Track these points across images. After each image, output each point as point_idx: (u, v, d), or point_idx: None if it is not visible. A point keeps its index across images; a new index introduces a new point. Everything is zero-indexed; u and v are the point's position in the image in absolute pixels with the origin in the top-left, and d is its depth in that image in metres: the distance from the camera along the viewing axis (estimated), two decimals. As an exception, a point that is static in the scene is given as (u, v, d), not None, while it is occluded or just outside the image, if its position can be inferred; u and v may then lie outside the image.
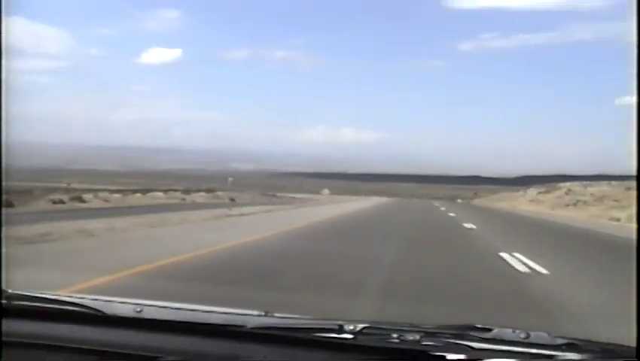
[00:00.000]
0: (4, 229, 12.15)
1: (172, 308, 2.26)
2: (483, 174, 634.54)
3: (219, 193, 71.48)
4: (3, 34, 2.68)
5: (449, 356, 1.87)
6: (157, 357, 1.94)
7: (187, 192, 70.96)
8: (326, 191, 55.69)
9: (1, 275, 2.64)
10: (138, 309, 2.20)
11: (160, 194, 62.55)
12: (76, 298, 2.31)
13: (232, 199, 62.84)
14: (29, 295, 2.30)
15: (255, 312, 2.26)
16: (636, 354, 1.91)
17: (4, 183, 20.17)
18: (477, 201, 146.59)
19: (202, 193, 70.86)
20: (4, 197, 26.62)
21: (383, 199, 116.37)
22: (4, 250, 7.24)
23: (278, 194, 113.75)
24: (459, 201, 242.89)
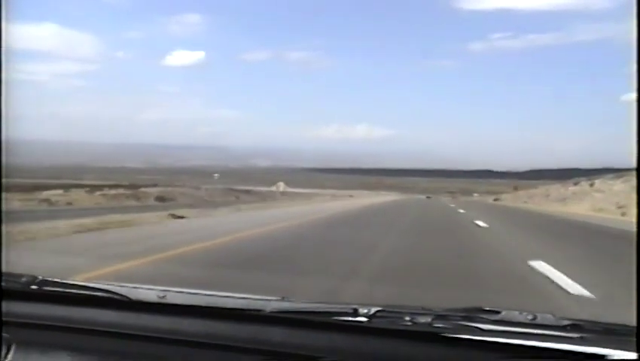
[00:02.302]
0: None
1: (193, 294, 2.27)
2: (495, 169, 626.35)
3: (150, 190, 59.77)
4: (3, 35, 2.44)
5: (459, 337, 1.88)
6: (179, 340, 2.00)
7: (134, 187, 61.43)
8: (281, 185, 43.78)
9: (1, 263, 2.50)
10: (162, 295, 2.19)
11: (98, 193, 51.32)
12: (103, 284, 2.30)
13: (161, 199, 52.28)
14: (58, 282, 2.32)
15: (273, 297, 2.24)
16: (636, 334, 1.86)
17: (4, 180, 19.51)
18: (516, 200, 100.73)
19: (148, 190, 60.34)
20: (3, 196, 25.70)
21: (387, 198, 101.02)
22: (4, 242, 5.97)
23: (258, 189, 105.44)
24: (475, 196, 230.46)
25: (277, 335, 1.95)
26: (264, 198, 68.73)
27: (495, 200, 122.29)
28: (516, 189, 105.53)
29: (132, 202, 46.40)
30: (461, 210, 36.65)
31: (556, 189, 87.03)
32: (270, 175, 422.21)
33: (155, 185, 71.02)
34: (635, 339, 1.79)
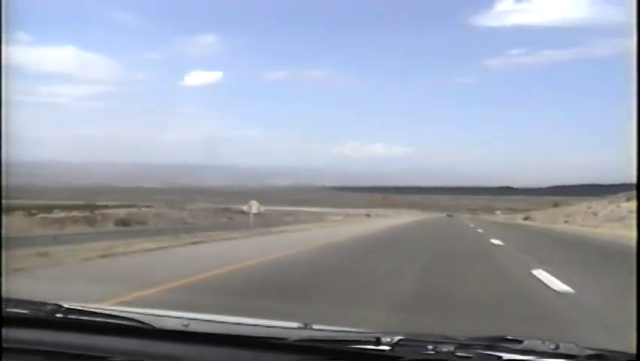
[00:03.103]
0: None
1: (217, 322, 2.27)
2: (515, 185, 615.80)
3: (113, 212, 50.42)
4: (3, 51, 2.56)
5: None
6: None
7: (93, 208, 51.73)
8: (253, 205, 34.05)
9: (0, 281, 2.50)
10: (186, 323, 2.19)
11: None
12: (126, 311, 2.33)
13: (124, 223, 43.80)
14: (83, 310, 2.32)
15: (295, 324, 2.27)
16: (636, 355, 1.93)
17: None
18: (553, 219, 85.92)
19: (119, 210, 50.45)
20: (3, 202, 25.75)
21: (406, 219, 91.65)
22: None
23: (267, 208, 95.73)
24: (498, 213, 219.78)
25: None
26: (267, 219, 60.55)
27: (526, 219, 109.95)
28: (555, 205, 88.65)
29: (82, 228, 37.76)
30: (496, 242, 24.26)
31: (601, 205, 74.97)
32: (290, 194, 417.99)
33: (132, 206, 61.49)
34: None
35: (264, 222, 52.62)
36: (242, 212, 79.45)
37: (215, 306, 7.70)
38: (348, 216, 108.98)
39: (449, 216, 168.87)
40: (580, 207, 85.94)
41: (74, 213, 46.11)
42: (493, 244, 23.34)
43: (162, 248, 17.67)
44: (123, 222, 43.40)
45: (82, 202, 74.65)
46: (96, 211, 47.99)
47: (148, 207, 63.82)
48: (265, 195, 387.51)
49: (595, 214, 67.60)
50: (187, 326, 2.15)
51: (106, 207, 59.39)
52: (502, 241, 24.99)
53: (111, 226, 41.67)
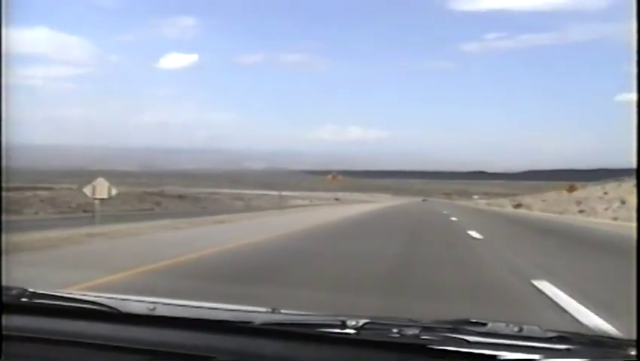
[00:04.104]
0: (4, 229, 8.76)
1: (183, 306, 2.26)
2: (489, 170, 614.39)
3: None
4: (3, 39, 2.48)
5: (446, 349, 1.89)
6: (169, 352, 1.99)
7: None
8: (99, 186, 25.74)
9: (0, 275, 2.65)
10: (152, 307, 2.19)
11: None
12: (92, 296, 2.32)
13: None
14: (48, 294, 2.31)
15: (263, 309, 2.26)
16: (637, 346, 1.89)
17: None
18: (556, 207, 64.98)
19: None
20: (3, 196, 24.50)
21: (376, 205, 77.66)
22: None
23: (221, 191, 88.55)
24: (475, 198, 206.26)
25: (266, 347, 1.96)
26: (205, 205, 54.40)
27: (517, 206, 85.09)
28: (572, 189, 66.96)
29: None
30: (521, 260, 12.53)
31: (622, 189, 56.27)
32: (264, 178, 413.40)
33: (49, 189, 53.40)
34: (630, 351, 1.82)
35: (189, 210, 45.96)
36: (181, 197, 70.78)
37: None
38: (316, 201, 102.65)
39: (424, 201, 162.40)
40: (591, 191, 66.91)
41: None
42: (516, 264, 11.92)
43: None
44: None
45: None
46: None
47: (70, 188, 55.96)
48: (238, 178, 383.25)
49: (623, 202, 48.24)
50: (153, 309, 2.14)
51: (21, 188, 52.10)
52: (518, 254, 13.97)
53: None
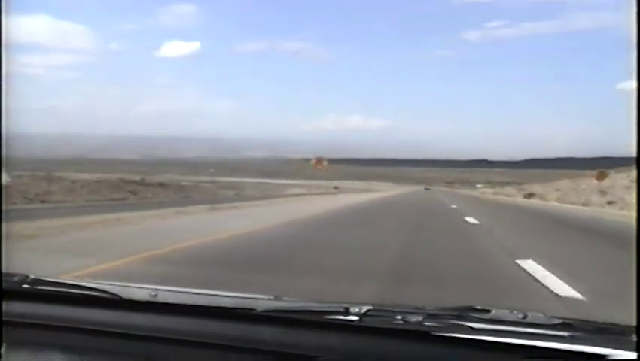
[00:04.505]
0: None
1: (185, 293, 2.25)
2: (490, 158, 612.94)
3: None
4: (3, 31, 2.43)
5: (451, 336, 1.89)
6: (170, 338, 2.00)
7: None
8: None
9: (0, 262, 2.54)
10: (154, 293, 2.18)
11: None
12: (94, 283, 2.30)
13: None
14: (50, 280, 2.31)
15: (265, 296, 2.24)
16: (636, 333, 1.88)
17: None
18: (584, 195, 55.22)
19: None
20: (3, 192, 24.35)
21: (375, 195, 68.21)
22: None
23: (208, 179, 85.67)
24: (479, 187, 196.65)
25: (268, 334, 1.95)
26: (190, 194, 51.78)
27: (529, 196, 73.06)
28: (602, 177, 56.13)
29: None
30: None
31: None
32: (265, 167, 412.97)
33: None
34: (632, 338, 1.81)
35: (170, 198, 43.42)
36: (160, 185, 65.40)
37: None
38: (314, 189, 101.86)
39: (426, 189, 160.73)
40: (616, 179, 57.23)
41: None
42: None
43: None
44: None
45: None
46: None
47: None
48: (238, 167, 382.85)
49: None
50: (155, 296, 2.13)
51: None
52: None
53: None
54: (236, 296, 2.16)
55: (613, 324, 2.01)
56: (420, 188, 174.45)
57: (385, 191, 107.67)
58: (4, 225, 8.08)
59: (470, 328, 1.86)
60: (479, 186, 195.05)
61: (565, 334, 1.84)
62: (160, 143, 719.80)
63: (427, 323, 1.89)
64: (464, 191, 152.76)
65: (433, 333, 1.85)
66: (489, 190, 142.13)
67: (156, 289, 2.17)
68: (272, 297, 2.20)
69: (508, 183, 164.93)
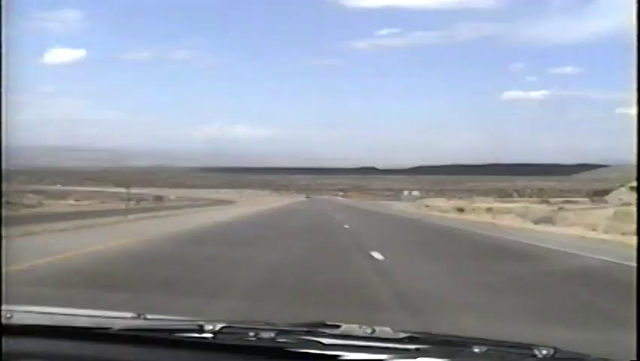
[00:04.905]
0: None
1: (39, 313, 2.22)
2: (379, 166, 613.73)
3: None
4: (4, 37, 2.53)
5: (302, 351, 1.95)
6: None
7: None
8: None
9: None
10: (9, 315, 2.13)
11: None
12: None
13: None
14: None
15: (129, 314, 2.27)
16: (637, 336, 2.05)
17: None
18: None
19: None
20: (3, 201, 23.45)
21: (225, 214, 46.29)
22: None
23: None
24: (406, 194, 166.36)
25: (124, 353, 1.93)
26: None
27: (460, 211, 62.92)
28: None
29: None
30: None
31: None
32: (148, 175, 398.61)
33: None
34: (473, 349, 1.93)
35: None
36: None
37: None
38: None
39: (307, 197, 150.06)
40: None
41: None
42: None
43: None
44: None
45: None
46: None
47: None
48: (119, 177, 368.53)
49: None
50: (9, 318, 2.06)
51: None
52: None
53: None
54: (92, 315, 2.14)
55: (457, 336, 2.14)
56: (302, 198, 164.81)
57: (241, 207, 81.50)
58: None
59: (321, 343, 1.91)
60: (406, 193, 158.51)
61: (412, 347, 1.91)
62: (42, 151, 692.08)
63: (279, 340, 1.95)
64: (370, 201, 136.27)
65: (285, 349, 1.91)
66: (407, 205, 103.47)
67: (11, 311, 2.08)
68: (135, 315, 2.18)
69: (398, 190, 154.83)
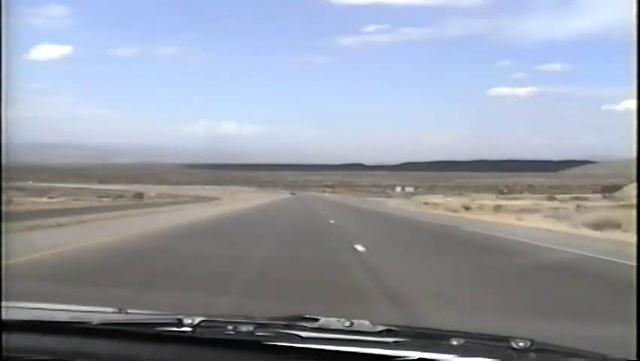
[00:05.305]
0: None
1: (17, 308, 2.25)
2: (366, 162, 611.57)
3: None
4: (4, 36, 2.65)
5: (280, 345, 1.97)
6: (6, 356, 1.95)
7: None
8: None
9: None
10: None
11: None
12: None
13: None
14: None
15: (109, 309, 2.30)
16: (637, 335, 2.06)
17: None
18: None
19: None
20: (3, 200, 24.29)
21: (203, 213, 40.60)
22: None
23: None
24: (398, 190, 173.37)
25: (103, 347, 1.94)
26: None
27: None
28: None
29: None
30: None
31: None
32: (133, 172, 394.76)
33: None
34: (450, 342, 1.97)
35: None
36: None
37: None
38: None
39: (292, 194, 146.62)
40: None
41: None
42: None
43: None
44: None
45: None
46: None
47: None
48: (103, 173, 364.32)
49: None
50: None
51: None
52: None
53: None
54: (71, 310, 2.15)
55: (434, 329, 2.21)
56: (286, 195, 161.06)
57: (224, 204, 77.97)
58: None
59: (300, 337, 1.94)
60: (398, 189, 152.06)
61: (389, 340, 1.94)
62: (29, 149, 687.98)
63: (257, 333, 1.98)
64: (355, 198, 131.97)
65: (263, 342, 1.92)
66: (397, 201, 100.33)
67: None
68: (116, 310, 2.21)
69: (385, 186, 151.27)
